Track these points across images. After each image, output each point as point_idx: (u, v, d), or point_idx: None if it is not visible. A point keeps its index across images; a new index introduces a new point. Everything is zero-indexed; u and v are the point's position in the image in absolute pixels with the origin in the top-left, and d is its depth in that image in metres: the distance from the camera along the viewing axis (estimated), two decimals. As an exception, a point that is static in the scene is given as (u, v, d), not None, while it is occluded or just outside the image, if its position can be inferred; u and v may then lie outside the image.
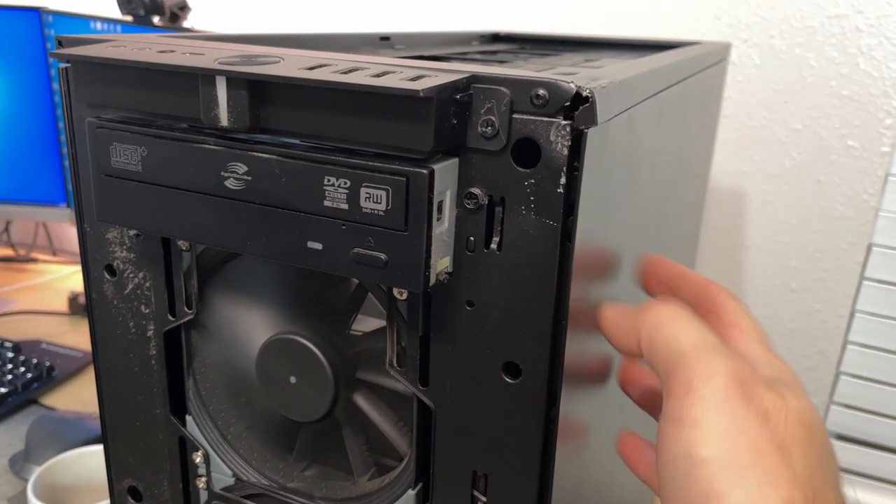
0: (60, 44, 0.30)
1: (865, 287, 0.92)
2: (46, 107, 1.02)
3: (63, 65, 0.30)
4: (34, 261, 1.19)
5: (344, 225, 0.24)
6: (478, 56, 0.51)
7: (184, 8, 0.80)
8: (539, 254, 0.24)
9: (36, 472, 0.58)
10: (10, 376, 0.82)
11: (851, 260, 0.88)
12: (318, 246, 0.25)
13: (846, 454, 0.99)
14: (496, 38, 0.68)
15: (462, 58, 0.48)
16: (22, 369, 0.84)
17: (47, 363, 0.86)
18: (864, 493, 0.99)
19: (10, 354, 0.86)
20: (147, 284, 0.32)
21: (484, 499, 0.28)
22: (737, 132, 0.88)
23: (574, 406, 0.28)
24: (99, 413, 0.36)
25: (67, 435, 0.74)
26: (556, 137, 0.23)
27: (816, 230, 0.88)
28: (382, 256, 0.24)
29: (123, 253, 0.33)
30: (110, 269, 0.33)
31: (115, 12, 0.89)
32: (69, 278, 1.15)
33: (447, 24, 0.95)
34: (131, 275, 0.33)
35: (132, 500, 0.37)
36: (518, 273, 0.25)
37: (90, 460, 0.62)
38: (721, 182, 0.91)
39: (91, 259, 0.33)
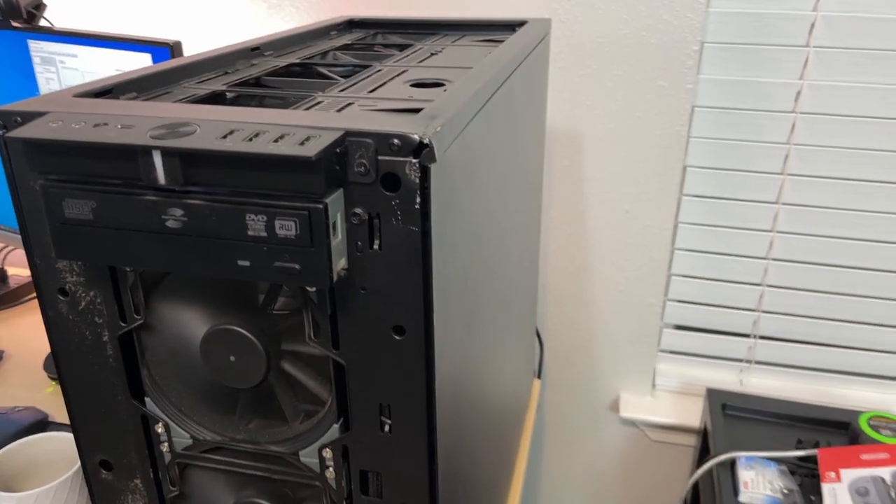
0: (3, 125, 0.36)
1: (684, 202, 1.10)
2: None
3: (1, 133, 0.37)
4: None
5: (265, 247, 0.34)
6: (340, 57, 0.60)
7: (39, 6, 0.81)
8: (408, 250, 0.35)
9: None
10: (-83, 386, 0.84)
11: (670, 181, 1.05)
12: (247, 263, 0.34)
13: (683, 340, 1.19)
14: (351, 24, 0.76)
15: (325, 64, 0.56)
16: (-72, 377, 0.86)
17: (-47, 367, 0.88)
18: (699, 370, 1.20)
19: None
20: (98, 300, 0.40)
21: (389, 421, 0.39)
22: (570, 81, 1.00)
23: (445, 348, 0.39)
24: (65, 404, 0.44)
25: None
26: (410, 171, 0.33)
27: (641, 159, 1.04)
28: (297, 266, 0.34)
29: (74, 277, 0.40)
30: (63, 292, 0.40)
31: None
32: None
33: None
34: (83, 294, 0.40)
35: (104, 471, 0.45)
36: (395, 264, 0.35)
37: (35, 447, 0.67)
38: (561, 126, 1.04)
39: (44, 285, 0.40)
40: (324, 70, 0.54)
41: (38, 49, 0.88)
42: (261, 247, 0.34)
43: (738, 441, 0.98)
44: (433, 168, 0.33)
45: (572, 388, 1.23)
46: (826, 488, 0.84)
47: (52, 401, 0.89)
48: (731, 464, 0.94)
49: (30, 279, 1.17)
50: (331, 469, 0.41)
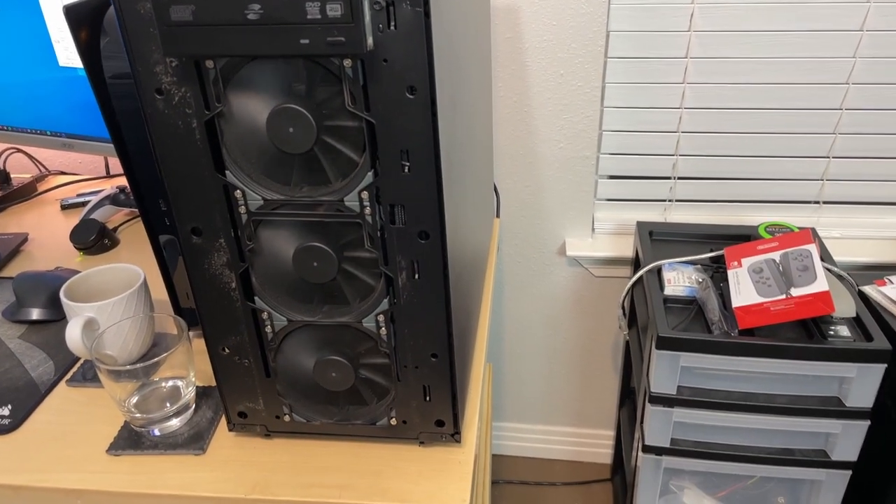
0: (106, -48, 0.50)
1: (609, 63, 1.28)
2: None
3: (108, -35, 0.50)
4: None
5: (319, 27, 0.49)
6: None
7: None
8: (415, 26, 0.51)
9: (66, 284, 0.78)
10: (-34, 258, 0.97)
11: (596, 45, 1.22)
12: (307, 41, 0.50)
13: (615, 188, 1.39)
14: None
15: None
16: (-27, 252, 0.99)
17: (-9, 245, 1.01)
18: (630, 212, 1.41)
19: (-45, 243, 1.00)
20: (188, 95, 0.55)
21: (408, 163, 0.56)
22: (505, -41, 1.15)
23: (445, 101, 0.56)
24: (163, 178, 0.59)
25: (49, 282, 0.92)
26: (415, -34, 0.49)
27: (570, 26, 1.20)
28: (343, 39, 0.49)
29: (168, 78, 0.54)
30: (159, 91, 0.55)
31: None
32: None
33: None
34: (175, 92, 0.55)
35: (195, 237, 0.61)
36: (406, 38, 0.51)
37: (100, 276, 0.82)
38: (501, 1, 1.19)
39: (144, 88, 0.55)
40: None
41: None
42: (316, 27, 0.49)
43: (662, 257, 1.19)
44: (430, -37, 0.49)
45: (525, 237, 1.42)
46: (730, 273, 1.06)
47: (83, 266, 1.03)
48: (658, 271, 1.15)
49: (30, 179, 1.28)
50: (367, 208, 0.58)
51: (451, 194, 0.62)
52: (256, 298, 0.64)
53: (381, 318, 0.64)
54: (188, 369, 0.74)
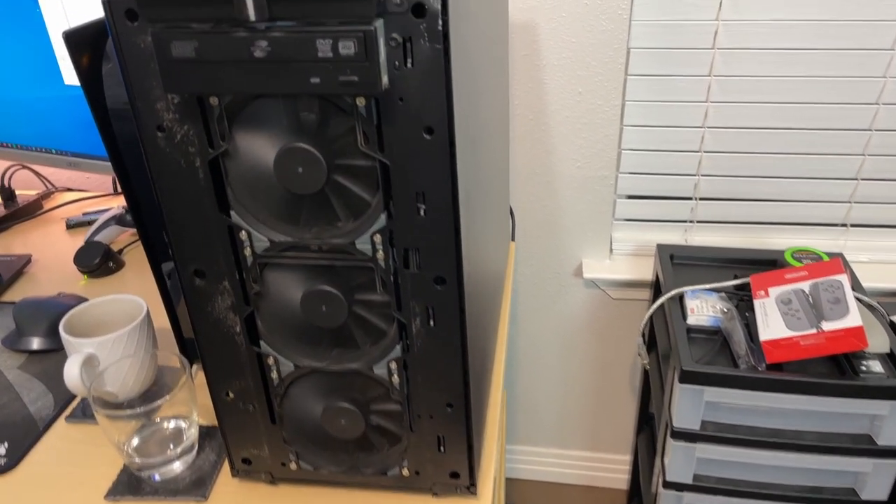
0: (104, -17, 0.46)
1: (630, 81, 1.24)
2: None
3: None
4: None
5: (331, 65, 0.45)
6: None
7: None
8: (433, 63, 0.47)
9: (65, 317, 0.75)
10: (-34, 283, 0.94)
11: (616, 62, 1.18)
12: (318, 80, 0.46)
13: (636, 208, 1.35)
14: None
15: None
16: (-26, 276, 0.96)
17: (-7, 268, 0.98)
18: (649, 233, 1.36)
19: (-44, 267, 0.97)
20: (191, 132, 0.52)
21: (424, 206, 0.52)
22: (523, -25, 1.12)
23: (464, 141, 0.52)
24: (164, 217, 0.55)
25: (50, 310, 0.89)
26: (434, 0, 0.45)
27: (590, 43, 1.16)
28: (356, 78, 0.46)
29: (170, 115, 0.51)
30: (160, 128, 0.52)
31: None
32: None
33: None
34: (177, 129, 0.52)
35: (198, 279, 0.58)
36: (424, 75, 0.47)
37: (101, 307, 0.79)
38: (519, 17, 1.16)
39: (144, 124, 0.52)
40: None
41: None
42: (328, 65, 0.45)
43: (684, 282, 1.15)
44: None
45: (541, 258, 1.38)
46: (757, 303, 1.02)
47: (87, 290, 1.00)
48: (680, 298, 1.11)
49: (36, 197, 1.26)
50: (380, 251, 0.55)
51: (469, 236, 0.58)
52: (262, 342, 0.61)
53: (393, 365, 0.60)
54: (191, 408, 0.71)
